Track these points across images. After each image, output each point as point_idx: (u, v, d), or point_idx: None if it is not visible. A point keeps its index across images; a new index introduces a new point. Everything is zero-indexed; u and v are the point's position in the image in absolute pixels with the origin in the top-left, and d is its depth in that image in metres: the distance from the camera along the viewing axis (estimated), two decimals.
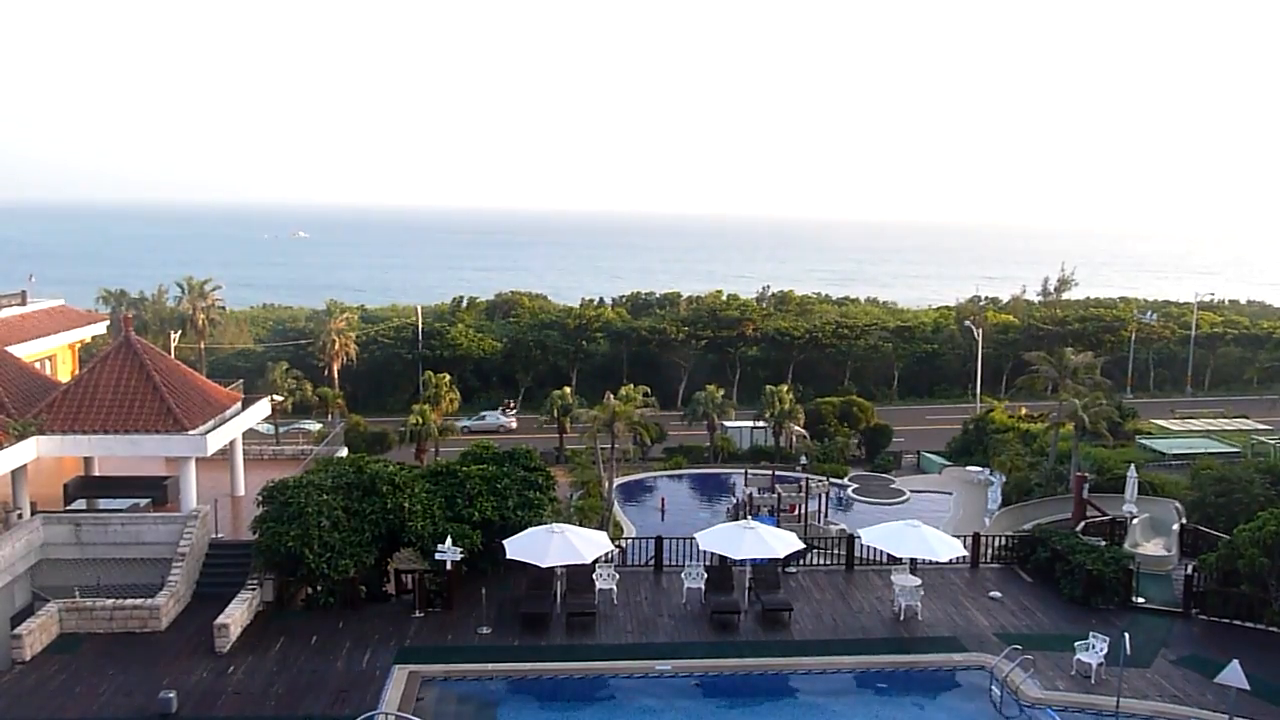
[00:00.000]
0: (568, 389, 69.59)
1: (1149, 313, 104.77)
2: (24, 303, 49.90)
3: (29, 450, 31.83)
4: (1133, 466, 41.14)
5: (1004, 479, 51.80)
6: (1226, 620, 30.84)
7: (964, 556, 33.86)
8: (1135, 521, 38.81)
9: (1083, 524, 39.00)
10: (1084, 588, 32.09)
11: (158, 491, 35.36)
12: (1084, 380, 53.64)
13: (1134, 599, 32.29)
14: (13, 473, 31.93)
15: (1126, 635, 25.67)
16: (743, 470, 56.88)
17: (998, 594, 33.08)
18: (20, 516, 32.28)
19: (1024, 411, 69.44)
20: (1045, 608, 32.00)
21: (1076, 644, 27.47)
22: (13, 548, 30.13)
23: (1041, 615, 31.42)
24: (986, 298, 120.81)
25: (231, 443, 37.34)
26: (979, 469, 57.11)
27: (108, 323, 57.06)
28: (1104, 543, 35.63)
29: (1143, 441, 61.30)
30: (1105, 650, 26.80)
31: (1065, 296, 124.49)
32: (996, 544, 36.99)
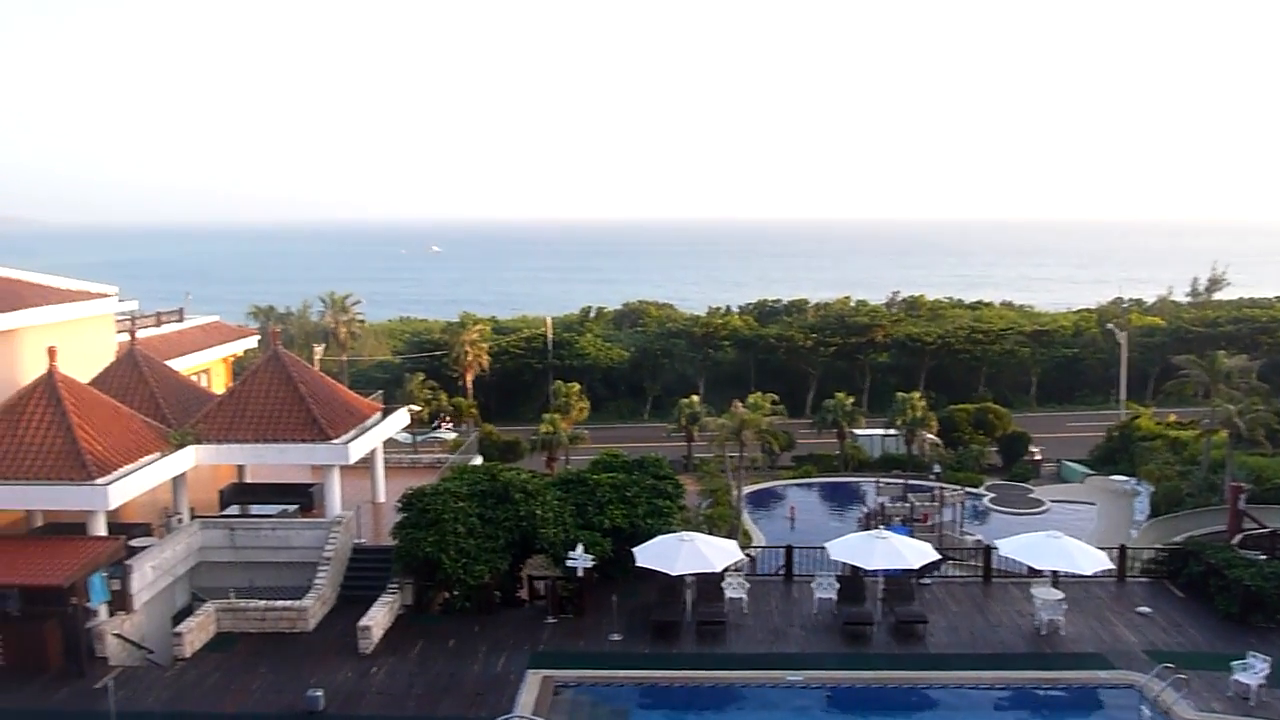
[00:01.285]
0: (695, 397, 69.77)
1: None
2: (182, 319, 52.86)
3: (188, 458, 33.67)
4: None
5: (1152, 489, 49.70)
6: None
7: (1109, 570, 32.48)
8: None
9: (1239, 536, 37.06)
10: (1241, 604, 30.42)
11: (305, 498, 36.86)
12: (1239, 385, 51.06)
13: None
14: (173, 480, 33.81)
15: None
16: (874, 479, 56.01)
17: (1147, 609, 31.65)
18: (180, 521, 34.14)
19: (1173, 418, 66.35)
20: (1199, 625, 30.47)
21: (1233, 663, 26.07)
22: (174, 550, 31.90)
23: (1195, 632, 29.93)
24: (1130, 299, 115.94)
25: (372, 451, 38.66)
26: (1124, 478, 54.86)
27: (257, 337, 59.88)
28: (1264, 557, 33.72)
29: None
30: (1266, 671, 25.35)
31: (1216, 297, 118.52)
32: (1145, 557, 35.42)
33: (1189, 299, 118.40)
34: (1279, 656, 24.57)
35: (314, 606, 30.76)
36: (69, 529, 30.67)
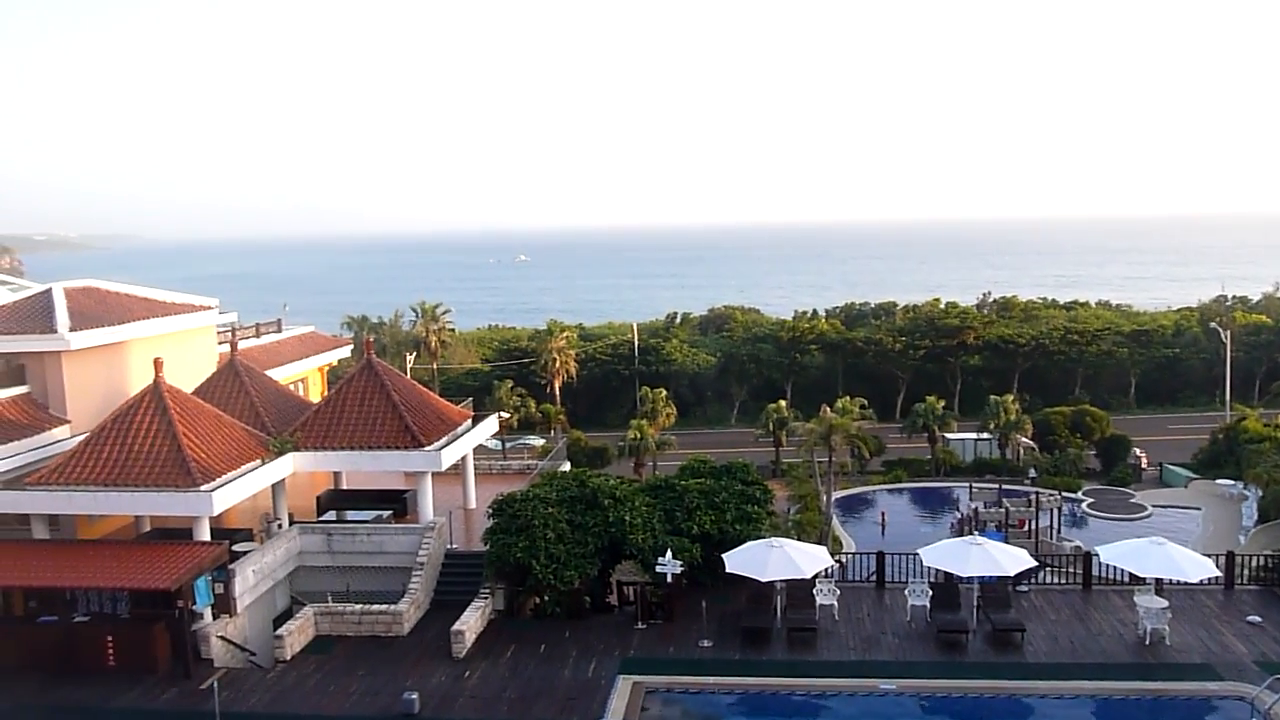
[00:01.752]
0: (783, 402, 69.38)
1: None
2: (279, 330, 54.38)
3: (287, 466, 34.60)
4: None
5: (1260, 493, 47.82)
6: None
7: (1216, 577, 31.33)
8: None
9: None
10: None
11: (399, 504, 37.58)
12: None
13: None
14: (273, 486, 34.78)
15: None
16: (967, 484, 54.91)
17: (1257, 618, 30.42)
18: (280, 526, 35.10)
19: None
20: None
21: None
22: (274, 555, 32.83)
23: None
24: (1234, 296, 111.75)
25: (463, 458, 39.24)
26: (1231, 482, 52.90)
27: (351, 346, 61.33)
28: None
29: None
30: None
31: None
32: (1254, 564, 34.05)
33: None
34: None
35: (408, 611, 31.33)
36: (175, 534, 31.76)
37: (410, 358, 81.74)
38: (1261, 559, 34.24)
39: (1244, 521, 46.47)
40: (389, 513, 37.04)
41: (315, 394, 52.42)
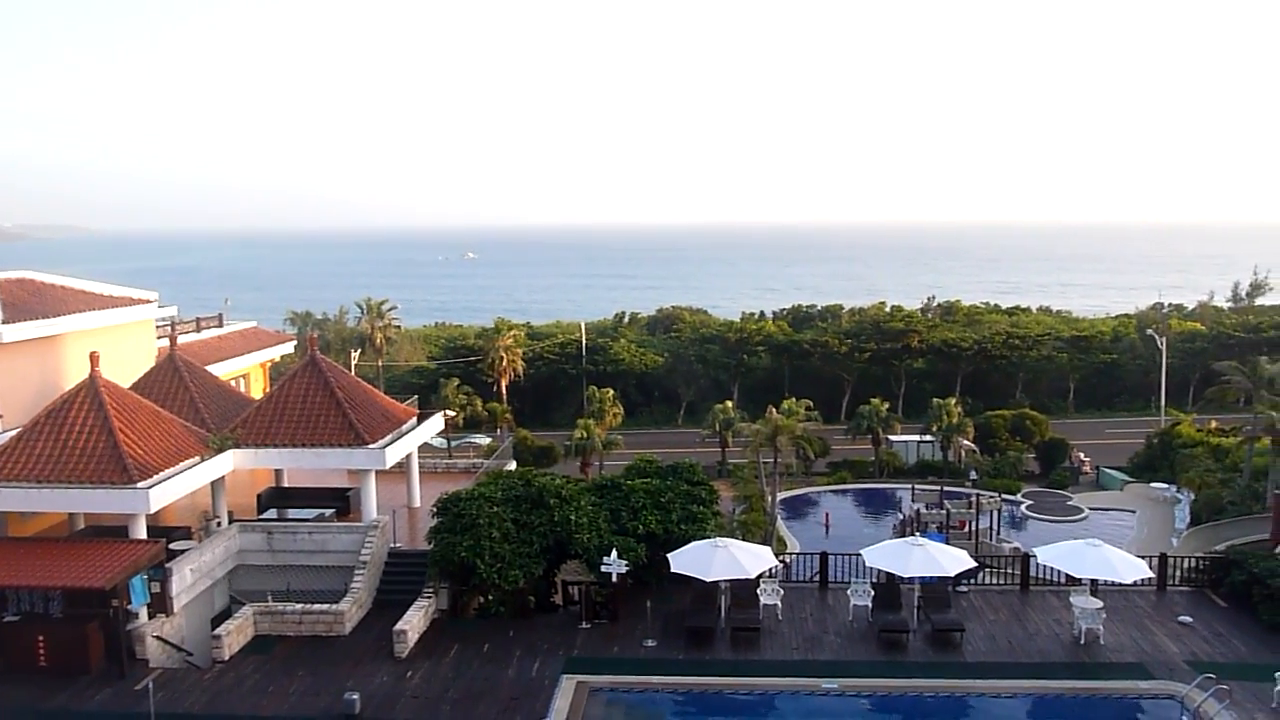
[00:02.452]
0: (729, 403, 69.63)
1: None
2: (221, 325, 53.55)
3: (226, 463, 34.08)
4: None
5: (1193, 497, 48.96)
6: None
7: (1150, 578, 32.07)
8: None
9: None
10: None
11: (341, 502, 37.23)
12: None
13: None
14: (213, 484, 34.24)
15: None
16: (909, 485, 55.59)
17: (1188, 619, 31.19)
18: (219, 524, 34.57)
19: (1214, 425, 65.29)
20: (1241, 634, 29.98)
21: (1277, 674, 25.60)
22: (213, 553, 32.31)
23: (1237, 642, 29.46)
24: (1170, 305, 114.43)
25: (408, 456, 38.94)
26: (1165, 486, 54.11)
27: (294, 342, 60.56)
28: None
29: None
30: None
31: (1259, 302, 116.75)
32: (1186, 565, 34.88)
33: (1230, 304, 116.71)
34: None
35: (350, 610, 31.01)
36: (110, 532, 31.14)
37: (355, 354, 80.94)
38: (1193, 561, 35.10)
39: (1177, 524, 47.50)
40: (331, 511, 36.71)
41: (257, 390, 51.74)
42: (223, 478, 34.51)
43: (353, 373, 52.58)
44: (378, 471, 35.54)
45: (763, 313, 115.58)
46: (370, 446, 34.80)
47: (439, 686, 26.92)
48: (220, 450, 33.78)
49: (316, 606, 30.93)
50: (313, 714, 25.41)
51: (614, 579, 30.84)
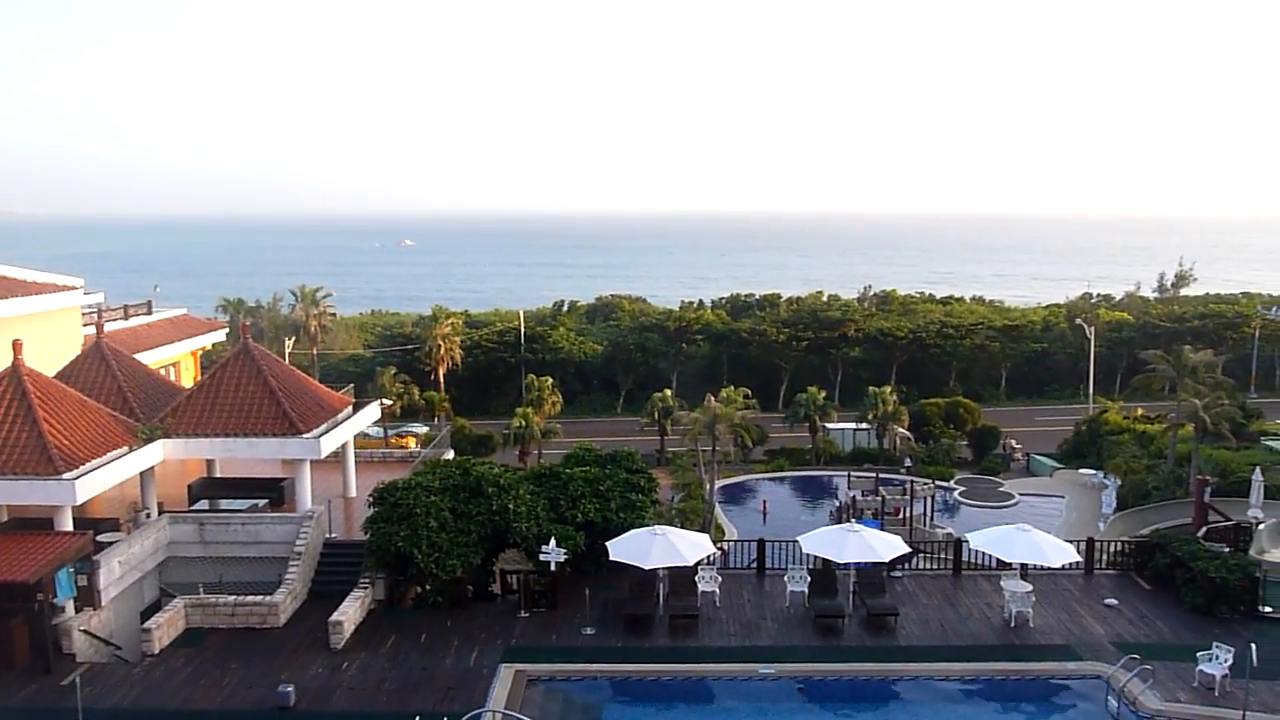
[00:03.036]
0: (668, 391, 69.91)
1: (1274, 308, 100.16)
2: (150, 312, 52.32)
3: (156, 453, 33.35)
4: (1258, 469, 39.44)
5: (1119, 482, 50.25)
6: None
7: (1077, 562, 32.88)
8: (1261, 527, 37.14)
9: (1204, 529, 37.51)
10: (1206, 596, 30.85)
11: (275, 492, 36.65)
12: (1204, 379, 51.71)
13: (1260, 608, 30.90)
14: (141, 474, 33.47)
15: (1253, 646, 24.60)
16: (846, 473, 56.29)
17: (1114, 601, 32.03)
18: (149, 516, 33.82)
19: (1140, 412, 67.14)
20: (1165, 616, 30.88)
21: (1199, 654, 26.43)
22: (142, 545, 31.59)
23: (1161, 624, 30.33)
24: (1099, 295, 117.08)
25: (344, 445, 38.46)
26: (1092, 472, 55.45)
27: (226, 330, 59.41)
28: (1228, 549, 34.19)
29: (1268, 443, 58.56)
30: (1230, 661, 25.72)
31: (1183, 292, 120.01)
32: (1112, 550, 35.82)
33: (1156, 295, 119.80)
34: (1243, 647, 24.87)
35: (285, 602, 30.57)
36: (35, 524, 30.29)
37: (289, 343, 79.58)
38: (1119, 545, 36.05)
39: (1104, 509, 48.70)
40: (265, 502, 36.14)
41: (188, 379, 50.69)
42: (152, 468, 33.75)
43: (286, 361, 51.76)
44: (313, 461, 35.07)
45: (701, 301, 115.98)
46: (305, 436, 34.29)
47: (375, 677, 26.68)
48: (149, 440, 33.04)
49: (250, 598, 30.44)
50: (246, 707, 25.03)
51: (552, 568, 30.81)
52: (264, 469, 39.16)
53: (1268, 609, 30.91)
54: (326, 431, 35.51)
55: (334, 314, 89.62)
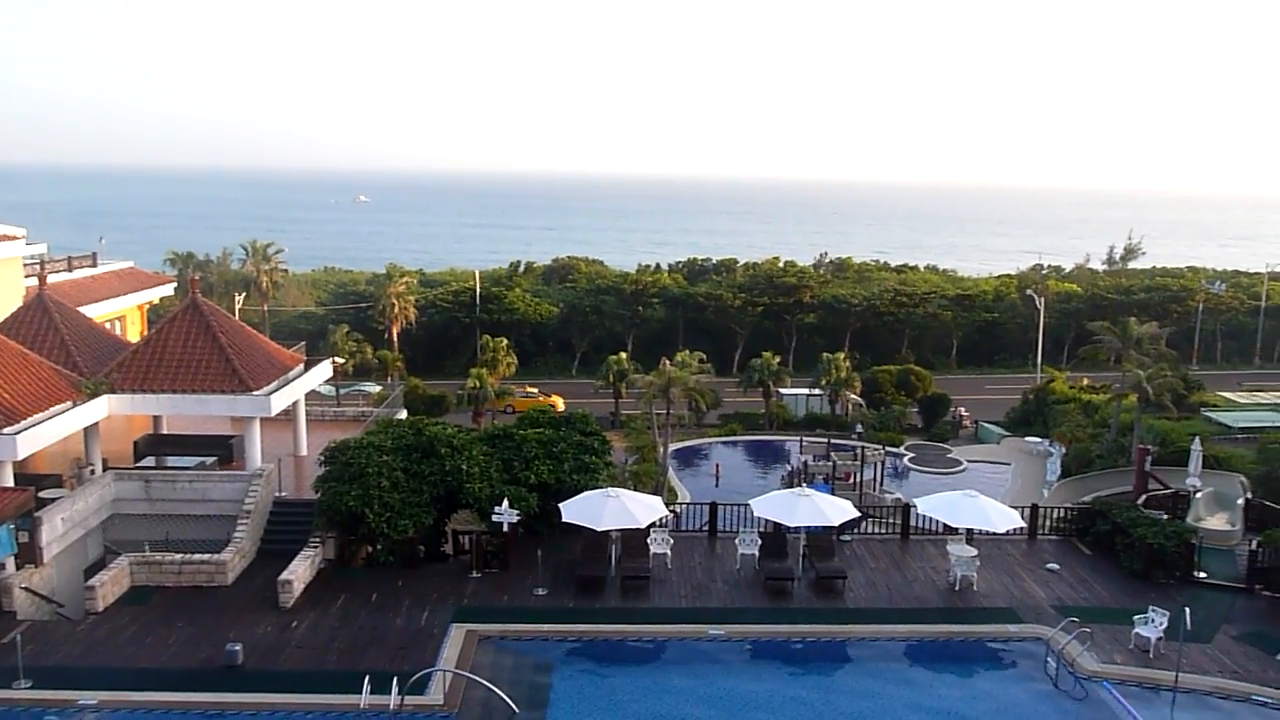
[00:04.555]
0: (624, 354, 69.83)
1: (1217, 282, 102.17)
2: (95, 264, 51.19)
3: (100, 408, 32.78)
4: (1197, 439, 40.35)
5: (1064, 450, 51.12)
6: None
7: (1021, 528, 33.53)
8: (1199, 495, 38.15)
9: (1144, 497, 38.42)
10: (1144, 561, 31.64)
11: (224, 450, 36.23)
12: (1148, 351, 52.68)
13: (1196, 574, 31.77)
14: (85, 430, 32.93)
15: (1187, 610, 25.33)
16: (798, 437, 56.74)
17: (1055, 566, 32.75)
18: (93, 472, 33.30)
19: (1086, 382, 68.30)
20: (1104, 581, 31.63)
21: (1135, 618, 27.13)
22: (86, 502, 31.12)
23: (1100, 588, 31.07)
24: (1049, 266, 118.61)
25: (295, 403, 38.08)
26: (1038, 440, 56.36)
27: (175, 284, 58.36)
28: (1166, 516, 35.05)
29: (1208, 414, 60.05)
30: (1165, 625, 26.44)
31: (1131, 265, 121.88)
32: (1055, 516, 36.58)
33: (1105, 267, 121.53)
34: (1177, 612, 25.58)
35: (233, 560, 30.32)
36: None
37: (239, 298, 78.42)
38: (1062, 511, 36.80)
39: (1048, 476, 49.55)
40: (213, 459, 35.72)
41: (134, 334, 49.80)
42: (96, 424, 33.21)
43: (237, 317, 50.99)
44: (263, 419, 34.69)
45: (658, 265, 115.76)
46: (255, 393, 33.88)
47: (325, 636, 26.60)
48: (94, 395, 32.47)
49: (197, 556, 30.16)
50: (193, 665, 24.84)
51: (505, 528, 30.83)
52: (213, 426, 38.66)
53: (1202, 575, 31.80)
54: (277, 389, 35.13)
55: (286, 270, 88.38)
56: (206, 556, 30.17)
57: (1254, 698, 24.30)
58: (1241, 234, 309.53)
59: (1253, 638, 27.46)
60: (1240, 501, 38.14)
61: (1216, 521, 37.09)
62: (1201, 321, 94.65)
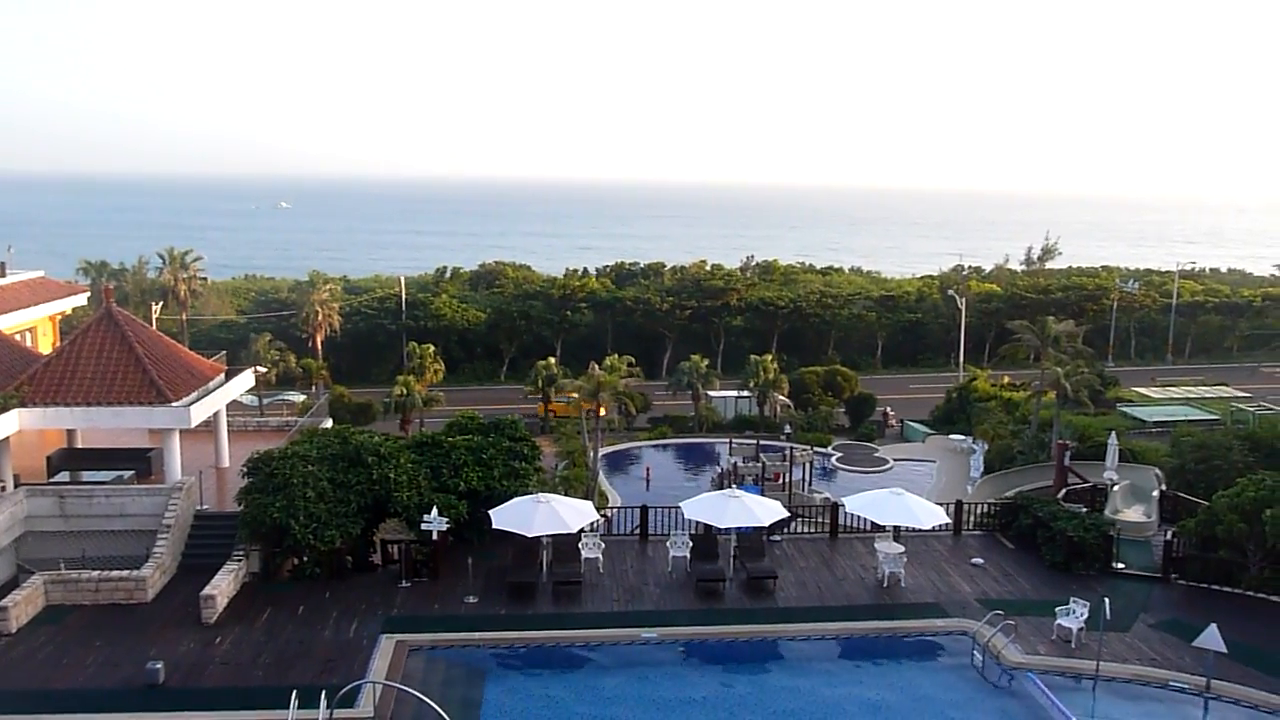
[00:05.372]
0: (552, 359, 69.65)
1: (1131, 281, 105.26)
2: (3, 274, 49.40)
3: (11, 423, 31.68)
4: (1114, 434, 41.49)
5: (986, 447, 52.14)
6: (1205, 585, 31.25)
7: (947, 524, 34.15)
8: (1116, 488, 39.21)
9: (1064, 491, 39.38)
10: (1065, 554, 32.45)
11: (142, 463, 35.25)
12: (1066, 349, 54.03)
13: (1114, 565, 32.68)
14: None
15: (1106, 600, 26.02)
16: (727, 439, 57.08)
17: (980, 560, 33.42)
18: (3, 489, 32.16)
19: (1007, 380, 69.86)
20: (1027, 574, 32.35)
21: (1057, 609, 27.81)
22: None
23: (1023, 581, 31.77)
24: (970, 267, 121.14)
25: (216, 414, 37.21)
26: (962, 437, 57.47)
27: (88, 294, 56.61)
28: (1085, 509, 36.02)
29: (1124, 409, 61.81)
30: (1085, 615, 27.14)
31: (1049, 265, 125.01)
32: (979, 511, 37.32)
33: (1024, 267, 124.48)
34: (1097, 602, 26.26)
35: (153, 576, 29.51)
36: None
37: (157, 308, 76.44)
38: (985, 507, 37.57)
39: (972, 473, 50.50)
40: (131, 473, 34.73)
41: (46, 346, 48.13)
42: (6, 439, 32.07)
43: (154, 327, 49.72)
44: (183, 431, 33.84)
45: (586, 270, 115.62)
46: (173, 404, 33.03)
47: (250, 651, 26.02)
48: (3, 409, 31.36)
49: (115, 573, 29.28)
50: (112, 685, 24.11)
51: (434, 537, 30.52)
52: (130, 439, 37.61)
53: (1120, 565, 32.72)
54: (197, 400, 34.29)
55: (205, 278, 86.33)
56: (125, 573, 29.31)
57: (1171, 684, 25.05)
58: (1152, 235, 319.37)
59: (1169, 625, 28.32)
60: (1155, 494, 39.34)
61: (1133, 513, 38.21)
62: (1116, 319, 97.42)
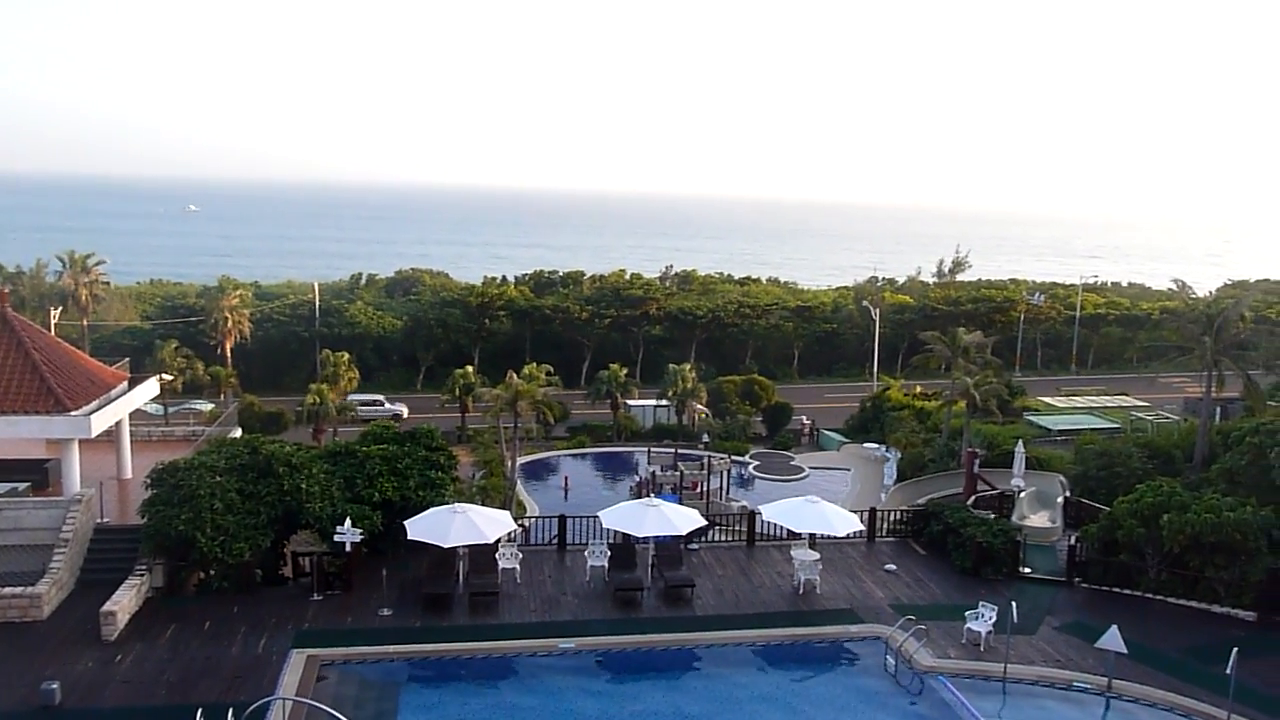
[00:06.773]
0: (470, 368, 68.83)
1: (1036, 294, 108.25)
2: None
3: None
4: (1020, 442, 42.60)
5: (899, 455, 53.03)
6: (1106, 588, 32.24)
7: (861, 531, 34.67)
8: (1023, 495, 40.23)
9: (973, 498, 40.24)
10: (974, 559, 33.17)
11: (38, 475, 33.97)
12: (975, 359, 55.33)
13: (1021, 569, 33.52)
14: None
15: (1014, 604, 26.68)
16: (646, 448, 57.10)
17: (893, 566, 33.97)
18: None
19: (919, 390, 71.21)
20: (938, 579, 32.98)
21: (967, 613, 28.40)
22: None
23: (934, 586, 32.38)
24: (884, 278, 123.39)
25: (118, 424, 36.02)
26: (876, 446, 58.31)
27: None
28: (993, 516, 36.86)
29: (1030, 418, 63.51)
30: (994, 619, 27.76)
31: (959, 278, 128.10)
32: (892, 518, 37.97)
33: (935, 279, 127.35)
34: (1005, 605, 26.88)
35: (49, 592, 28.39)
36: None
37: (56, 313, 73.70)
38: (898, 514, 38.24)
39: (885, 481, 51.27)
40: (26, 485, 33.40)
41: None
42: None
43: (52, 332, 47.98)
44: (82, 441, 32.67)
45: (505, 277, 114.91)
46: (72, 413, 31.87)
47: (154, 669, 25.18)
48: None
49: (8, 589, 28.12)
50: (5, 707, 23.11)
51: (348, 548, 29.94)
52: (25, 449, 36.16)
53: (1027, 570, 33.59)
54: (98, 409, 33.14)
55: (107, 283, 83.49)
56: (19, 590, 28.15)
57: (1075, 684, 25.76)
58: (1051, 250, 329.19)
59: (1073, 628, 29.13)
60: (1060, 500, 40.46)
61: (1039, 519, 39.23)
62: (1023, 331, 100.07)
